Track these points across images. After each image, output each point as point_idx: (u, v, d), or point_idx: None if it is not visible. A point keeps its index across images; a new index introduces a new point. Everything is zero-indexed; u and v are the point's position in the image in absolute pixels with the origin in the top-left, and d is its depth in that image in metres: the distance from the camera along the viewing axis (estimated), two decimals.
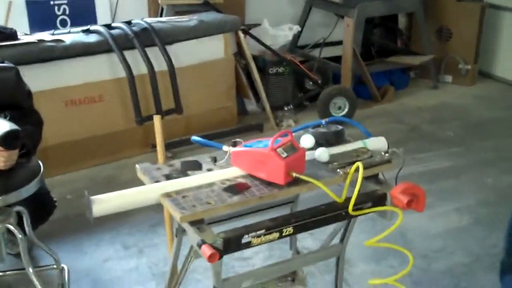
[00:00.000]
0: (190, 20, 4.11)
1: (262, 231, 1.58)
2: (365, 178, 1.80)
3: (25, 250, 2.27)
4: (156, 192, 1.63)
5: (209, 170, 1.78)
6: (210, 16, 4.26)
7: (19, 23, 4.34)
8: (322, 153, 1.82)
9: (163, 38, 3.89)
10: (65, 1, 4.61)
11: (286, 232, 1.62)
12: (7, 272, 2.67)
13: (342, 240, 1.98)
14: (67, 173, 3.72)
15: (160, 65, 3.84)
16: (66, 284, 2.61)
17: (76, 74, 3.66)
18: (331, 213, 1.67)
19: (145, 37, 3.81)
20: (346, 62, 4.75)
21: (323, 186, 1.65)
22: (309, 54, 5.24)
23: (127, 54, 3.73)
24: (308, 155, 1.81)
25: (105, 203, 1.58)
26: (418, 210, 1.73)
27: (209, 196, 1.63)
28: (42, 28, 4.04)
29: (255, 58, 4.48)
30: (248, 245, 1.57)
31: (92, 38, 3.70)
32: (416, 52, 5.44)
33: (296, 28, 4.91)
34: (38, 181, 2.24)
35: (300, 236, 2.28)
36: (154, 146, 3.84)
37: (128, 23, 3.90)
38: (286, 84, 4.69)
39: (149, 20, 4.02)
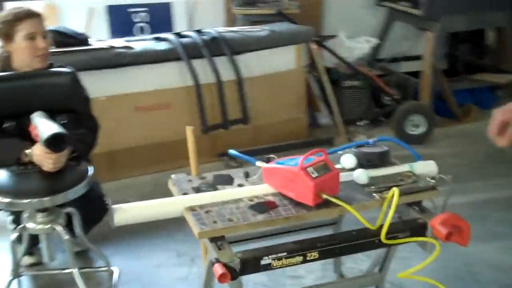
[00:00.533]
0: (261, 30, 4.07)
1: (284, 254, 1.49)
2: (407, 205, 1.66)
3: (71, 251, 2.29)
4: (180, 205, 1.59)
5: (240, 185, 1.72)
6: (282, 27, 4.21)
7: (100, 29, 4.49)
8: (361, 175, 1.70)
9: (233, 48, 3.87)
10: (145, 9, 4.70)
11: (310, 256, 1.52)
12: (59, 271, 2.70)
13: (380, 269, 1.84)
14: (132, 177, 3.78)
15: (229, 74, 3.82)
16: (114, 286, 2.63)
17: (146, 80, 3.71)
18: (362, 240, 1.54)
19: (214, 46, 3.80)
20: (425, 77, 4.54)
21: (353, 210, 1.53)
22: (389, 68, 5.05)
23: (196, 62, 3.74)
24: (347, 176, 1.70)
25: (126, 212, 1.55)
26: (462, 244, 1.57)
27: (233, 213, 1.56)
28: (122, 35, 4.14)
29: (329, 70, 4.37)
30: (268, 267, 1.48)
31: (162, 46, 3.74)
32: (505, 70, 5.11)
33: (374, 40, 4.74)
34: (86, 184, 2.25)
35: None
36: (220, 155, 3.84)
37: (198, 32, 3.91)
38: (360, 98, 4.55)
39: (220, 29, 4.03)
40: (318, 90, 4.41)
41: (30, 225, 2.23)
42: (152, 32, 4.40)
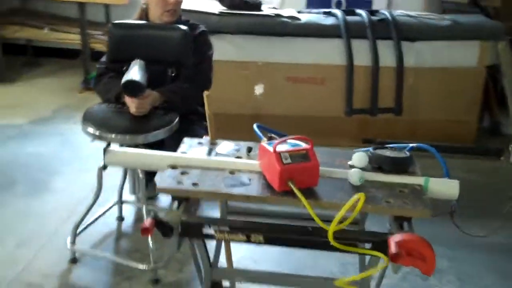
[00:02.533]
0: (442, 19, 3.78)
1: (226, 228, 1.48)
2: (395, 218, 1.51)
3: (143, 188, 2.50)
4: (166, 160, 1.66)
5: (238, 157, 1.72)
6: (470, 19, 3.85)
7: (296, 1, 4.63)
8: (353, 175, 1.57)
9: (405, 33, 3.69)
10: None
11: (255, 239, 1.48)
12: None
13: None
14: None
15: (391, 60, 3.67)
16: None
17: (303, 53, 3.76)
18: (312, 238, 1.45)
19: (382, 29, 3.67)
20: None
21: (308, 205, 1.44)
22: None
23: (358, 42, 3.66)
24: (345, 174, 1.60)
25: (116, 156, 1.69)
26: (425, 273, 1.38)
27: (205, 179, 1.58)
28: (318, 7, 4.20)
29: None
30: (212, 237, 1.49)
31: (328, 21, 3.73)
32: None
33: None
34: (166, 131, 2.43)
35: None
36: (365, 141, 3.73)
37: (372, 12, 3.80)
38: None
39: (397, 12, 3.85)
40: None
41: None
42: (348, 7, 4.38)
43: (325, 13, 3.84)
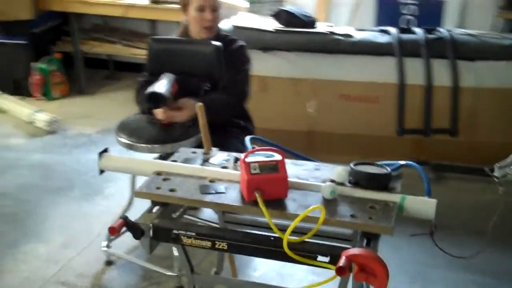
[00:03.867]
0: (504, 38, 3.62)
1: (193, 234, 1.54)
2: (363, 233, 1.50)
3: None
4: (153, 167, 1.75)
5: (224, 167, 1.78)
6: None
7: (365, 19, 4.62)
8: (325, 189, 1.58)
9: (463, 52, 3.58)
10: (415, 2, 4.62)
11: (219, 245, 1.53)
12: None
13: None
14: (324, 161, 3.89)
15: (446, 79, 3.56)
16: None
17: (357, 70, 3.74)
18: (268, 246, 1.48)
19: (439, 48, 3.58)
20: None
21: (267, 215, 1.48)
22: None
23: (412, 61, 3.59)
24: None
25: (110, 161, 1.80)
26: None
27: (183, 186, 1.66)
28: (386, 24, 4.16)
29: None
30: (179, 241, 1.56)
31: (381, 39, 3.70)
32: None
33: None
34: (192, 142, 2.52)
35: None
36: (419, 163, 3.63)
37: (429, 30, 3.71)
38: None
39: (458, 31, 3.74)
40: None
41: None
42: (418, 26, 4.32)
43: (381, 31, 3.80)
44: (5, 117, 4.67)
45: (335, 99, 3.79)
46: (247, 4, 4.41)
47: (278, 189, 1.57)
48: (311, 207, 1.46)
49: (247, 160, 1.56)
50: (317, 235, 1.73)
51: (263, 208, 1.49)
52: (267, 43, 3.79)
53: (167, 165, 1.75)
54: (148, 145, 2.53)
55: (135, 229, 1.57)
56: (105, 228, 2.99)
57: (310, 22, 3.82)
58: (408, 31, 3.74)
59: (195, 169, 1.73)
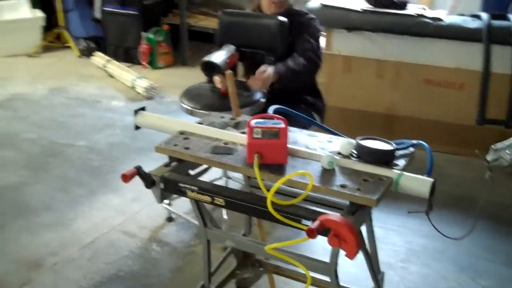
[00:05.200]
0: None
1: (196, 188, 1.67)
2: (351, 204, 1.55)
3: None
4: (177, 127, 1.89)
5: (243, 133, 1.87)
6: None
7: (472, 3, 4.42)
8: (324, 159, 1.63)
9: None
10: None
11: (217, 201, 1.64)
12: None
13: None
14: None
15: None
16: None
17: (443, 55, 3.64)
18: (255, 205, 1.57)
19: None
20: None
21: (259, 176, 1.56)
22: None
23: (505, 49, 3.42)
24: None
25: (144, 117, 1.97)
26: (347, 256, 1.41)
27: (198, 145, 1.78)
28: (495, 10, 3.99)
29: None
30: (185, 194, 1.69)
31: (473, 24, 3.54)
32: None
33: None
34: (249, 111, 2.61)
35: None
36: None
37: None
38: None
39: None
40: None
41: None
42: None
43: (473, 16, 3.64)
44: (112, 81, 5.07)
45: (418, 83, 3.72)
46: None
47: (277, 155, 1.63)
48: (298, 172, 1.52)
49: (252, 124, 1.64)
50: (318, 203, 1.80)
51: (256, 169, 1.57)
52: (352, 22, 3.78)
53: (190, 126, 1.88)
54: (205, 111, 2.66)
55: (146, 179, 1.72)
56: None
57: (400, 3, 3.74)
58: (502, 17, 3.55)
59: (213, 131, 1.84)
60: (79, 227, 2.95)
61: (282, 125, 1.65)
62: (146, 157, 3.62)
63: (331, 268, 1.67)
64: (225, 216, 2.76)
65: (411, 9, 3.77)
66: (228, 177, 3.21)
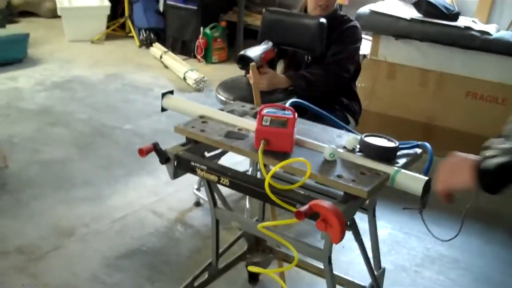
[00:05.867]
0: None
1: (205, 168, 1.78)
2: (345, 193, 1.62)
3: None
4: (198, 111, 2.01)
5: None
6: None
7: None
8: (327, 151, 1.71)
9: None
10: None
11: (223, 181, 1.74)
12: None
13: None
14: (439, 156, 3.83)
15: None
16: None
17: (488, 69, 3.61)
18: (255, 187, 1.66)
19: None
20: None
21: (261, 161, 1.66)
22: None
23: None
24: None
25: (170, 100, 2.10)
26: (332, 241, 1.49)
27: (214, 129, 1.89)
28: None
29: None
30: (195, 172, 1.81)
31: None
32: None
33: None
34: None
35: None
36: None
37: None
38: None
39: None
40: None
41: None
42: None
43: None
44: (166, 72, 5.26)
45: (460, 95, 3.71)
46: None
47: (283, 143, 1.72)
48: (296, 158, 1.61)
49: (263, 112, 1.74)
50: (320, 193, 1.87)
51: (260, 153, 1.66)
52: (400, 30, 3.80)
53: (210, 111, 1.99)
54: (235, 102, 2.77)
55: (162, 155, 1.84)
56: None
57: (451, 15, 3.74)
58: None
59: (229, 117, 1.95)
60: (112, 203, 3.12)
61: (291, 116, 1.74)
62: None
63: (324, 255, 1.74)
64: (247, 206, 2.85)
65: (462, 21, 3.75)
66: (258, 170, 3.30)
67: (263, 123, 1.72)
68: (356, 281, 2.14)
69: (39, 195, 3.13)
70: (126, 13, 6.03)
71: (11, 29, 5.69)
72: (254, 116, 2.02)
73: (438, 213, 2.81)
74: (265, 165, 1.71)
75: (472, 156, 1.35)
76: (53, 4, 6.24)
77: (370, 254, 1.99)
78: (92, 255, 2.66)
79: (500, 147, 1.32)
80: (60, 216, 2.96)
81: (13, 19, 6.37)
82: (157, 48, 5.56)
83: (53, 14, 6.35)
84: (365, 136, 1.75)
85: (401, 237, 2.92)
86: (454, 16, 3.77)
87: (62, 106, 4.42)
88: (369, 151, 1.71)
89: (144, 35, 5.88)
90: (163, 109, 2.14)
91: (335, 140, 1.85)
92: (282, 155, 1.71)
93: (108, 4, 6.02)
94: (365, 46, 3.89)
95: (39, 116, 4.19)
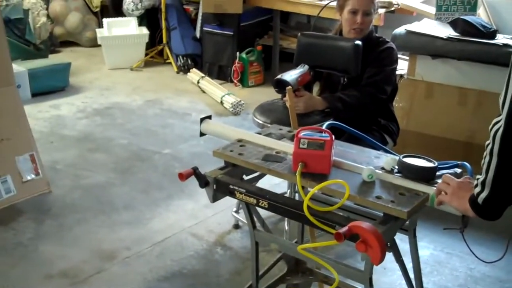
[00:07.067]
0: None
1: (244, 191, 1.80)
2: (384, 214, 1.62)
3: None
4: (236, 135, 2.05)
5: None
6: None
7: None
8: (365, 172, 1.72)
9: None
10: None
11: (262, 203, 1.76)
12: None
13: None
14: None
15: None
16: None
17: None
18: (293, 209, 1.68)
19: None
20: None
21: (299, 183, 1.67)
22: None
23: None
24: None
25: (209, 125, 2.14)
26: (372, 262, 1.49)
27: (252, 152, 1.92)
28: None
29: None
30: (234, 195, 1.83)
31: None
32: None
33: None
34: None
35: None
36: None
37: None
38: None
39: None
40: None
41: None
42: None
43: None
44: (204, 97, 5.34)
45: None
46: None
47: (321, 165, 1.73)
48: (334, 180, 1.61)
49: (300, 135, 1.76)
50: (360, 214, 1.87)
51: (298, 176, 1.68)
52: (437, 49, 3.78)
53: (247, 135, 2.03)
54: (272, 125, 2.79)
55: (201, 179, 1.87)
56: None
57: (489, 33, 3.70)
58: None
59: (267, 140, 1.97)
60: (153, 226, 3.17)
61: (328, 138, 1.75)
62: None
63: (365, 276, 1.73)
64: (286, 228, 2.86)
65: (500, 39, 3.71)
66: (296, 192, 3.31)
67: (301, 145, 1.74)
68: None
69: (82, 220, 3.20)
70: (164, 40, 6.15)
71: (53, 59, 5.87)
72: (292, 139, 2.04)
73: (481, 233, 2.77)
74: (303, 187, 1.72)
75: (474, 184, 1.50)
76: (93, 34, 6.41)
77: (411, 275, 1.98)
78: (134, 278, 2.70)
79: (479, 181, 1.46)
80: (102, 240, 3.02)
81: (55, 49, 6.56)
82: (195, 74, 5.64)
83: (93, 43, 6.52)
84: (404, 157, 1.75)
85: (443, 258, 2.88)
86: (492, 34, 3.73)
87: (102, 132, 4.52)
88: (408, 172, 1.71)
89: (182, 61, 5.98)
90: (201, 134, 2.17)
91: (373, 161, 1.86)
92: (320, 177, 1.72)
93: (146, 32, 6.15)
94: (402, 66, 3.88)
95: (80, 143, 4.29)
